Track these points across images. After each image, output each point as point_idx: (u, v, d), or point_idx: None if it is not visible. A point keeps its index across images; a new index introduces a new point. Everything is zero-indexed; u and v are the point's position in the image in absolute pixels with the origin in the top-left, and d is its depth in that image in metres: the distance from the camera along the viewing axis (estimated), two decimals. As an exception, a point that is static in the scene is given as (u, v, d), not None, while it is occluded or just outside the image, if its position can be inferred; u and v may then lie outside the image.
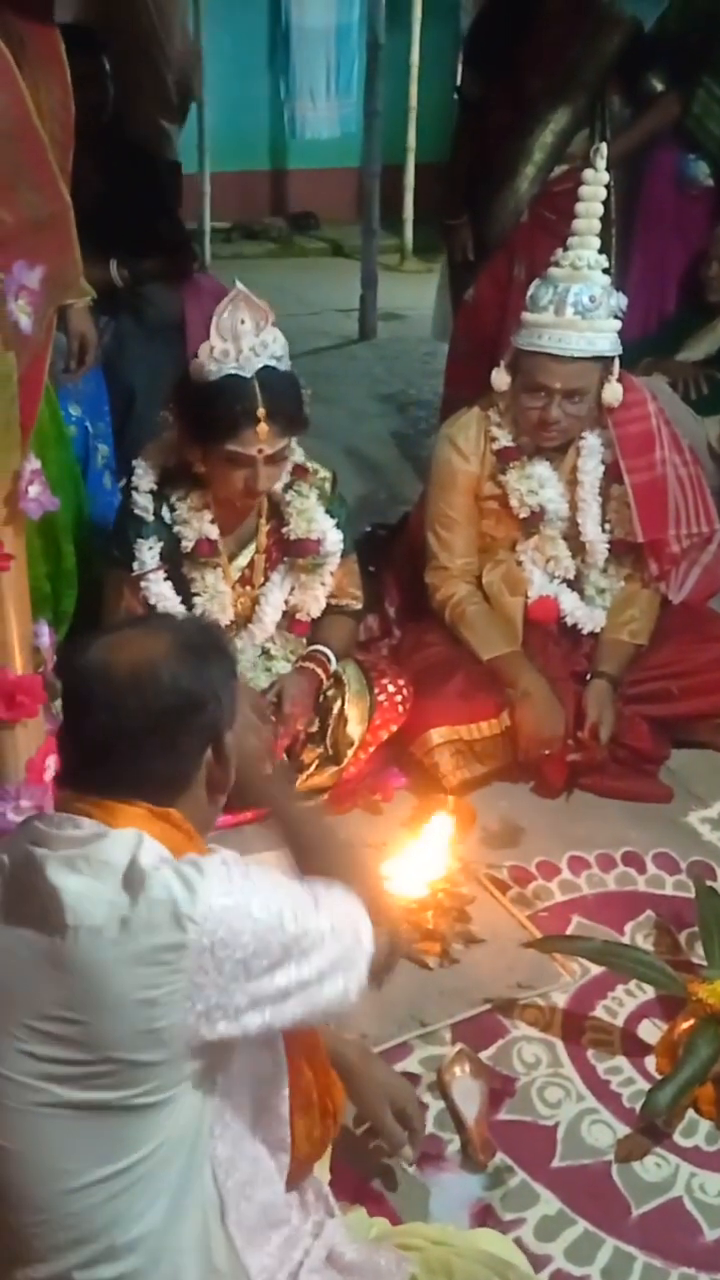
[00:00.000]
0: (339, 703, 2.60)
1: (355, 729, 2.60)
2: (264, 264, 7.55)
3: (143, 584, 2.49)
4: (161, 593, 2.49)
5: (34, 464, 1.81)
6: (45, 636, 1.90)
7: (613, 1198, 1.83)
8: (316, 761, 2.60)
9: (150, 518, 2.49)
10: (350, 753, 2.59)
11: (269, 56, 8.20)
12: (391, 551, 3.22)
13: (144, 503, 2.49)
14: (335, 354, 5.99)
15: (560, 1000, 2.17)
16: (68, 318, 2.98)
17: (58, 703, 1.35)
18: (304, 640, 2.65)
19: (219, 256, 7.27)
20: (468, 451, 2.80)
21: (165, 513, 2.50)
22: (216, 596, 2.54)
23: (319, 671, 2.59)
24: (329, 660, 2.61)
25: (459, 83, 4.17)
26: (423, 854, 2.39)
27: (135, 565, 2.49)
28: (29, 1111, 1.17)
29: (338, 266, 7.58)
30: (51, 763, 1.82)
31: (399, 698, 2.66)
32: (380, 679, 2.67)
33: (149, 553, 2.49)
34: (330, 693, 2.61)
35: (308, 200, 8.48)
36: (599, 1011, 2.15)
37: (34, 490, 1.79)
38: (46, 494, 1.82)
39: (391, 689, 2.66)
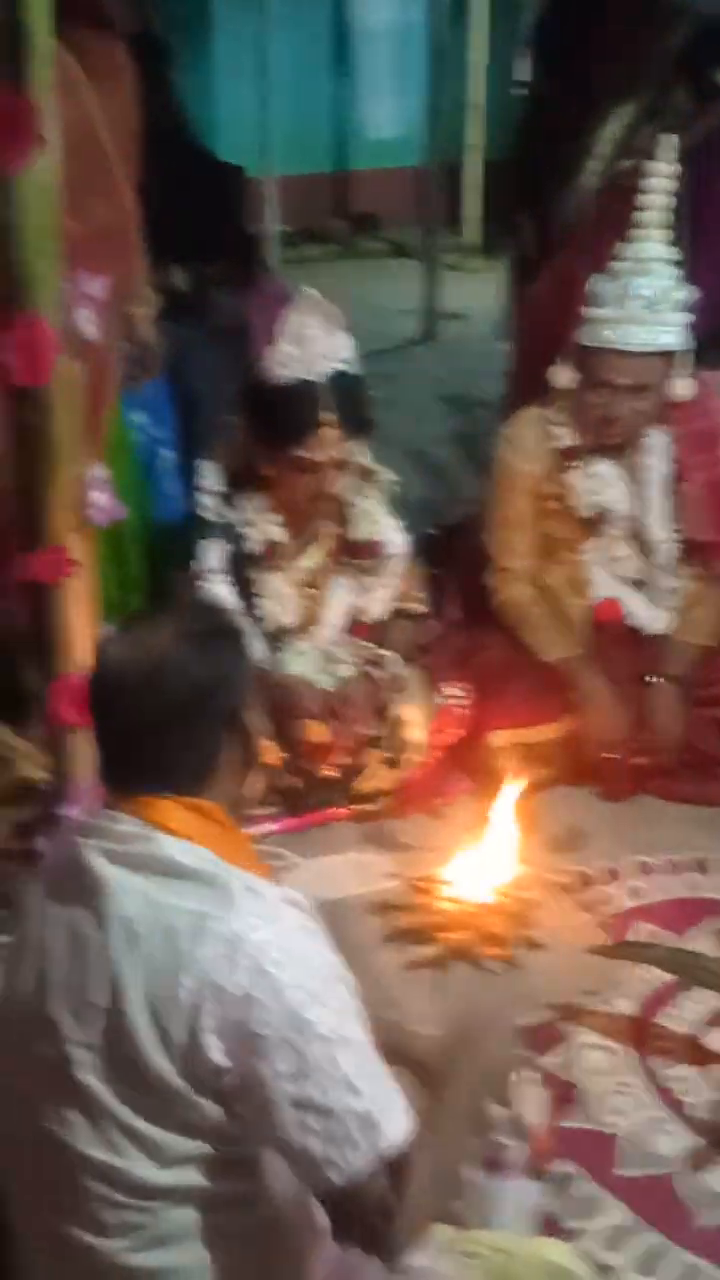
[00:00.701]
0: (401, 707, 2.60)
1: (417, 733, 2.60)
2: (327, 266, 7.58)
3: (205, 585, 2.51)
4: (223, 594, 2.51)
5: (100, 472, 1.84)
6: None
7: (679, 1208, 1.80)
8: (378, 765, 2.60)
9: (217, 519, 2.51)
10: (412, 757, 2.60)
11: (332, 58, 8.23)
12: (453, 554, 3.21)
13: (211, 504, 2.51)
14: (397, 355, 5.99)
15: (625, 1007, 2.14)
16: (131, 325, 3.02)
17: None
18: (366, 643, 2.66)
19: (284, 260, 7.31)
20: (528, 451, 2.77)
21: (232, 515, 2.52)
22: (281, 599, 2.56)
23: (381, 675, 2.59)
24: (391, 664, 2.61)
25: (523, 79, 4.14)
26: (485, 857, 2.38)
27: (202, 566, 2.50)
28: (76, 1096, 1.18)
29: (400, 267, 7.57)
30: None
31: (461, 701, 2.65)
32: (442, 682, 2.66)
33: (214, 554, 2.51)
34: (392, 697, 2.61)
35: (370, 201, 8.48)
36: (664, 1019, 2.12)
37: (100, 498, 1.82)
38: (112, 501, 1.86)
39: (453, 693, 2.65)
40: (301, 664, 2.60)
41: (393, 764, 2.61)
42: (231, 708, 1.29)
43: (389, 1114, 1.17)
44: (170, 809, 1.24)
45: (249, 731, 1.33)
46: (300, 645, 2.61)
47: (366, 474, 2.60)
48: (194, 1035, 1.14)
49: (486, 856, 2.38)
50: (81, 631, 1.91)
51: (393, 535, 2.61)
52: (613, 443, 2.70)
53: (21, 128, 1.58)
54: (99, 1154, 1.18)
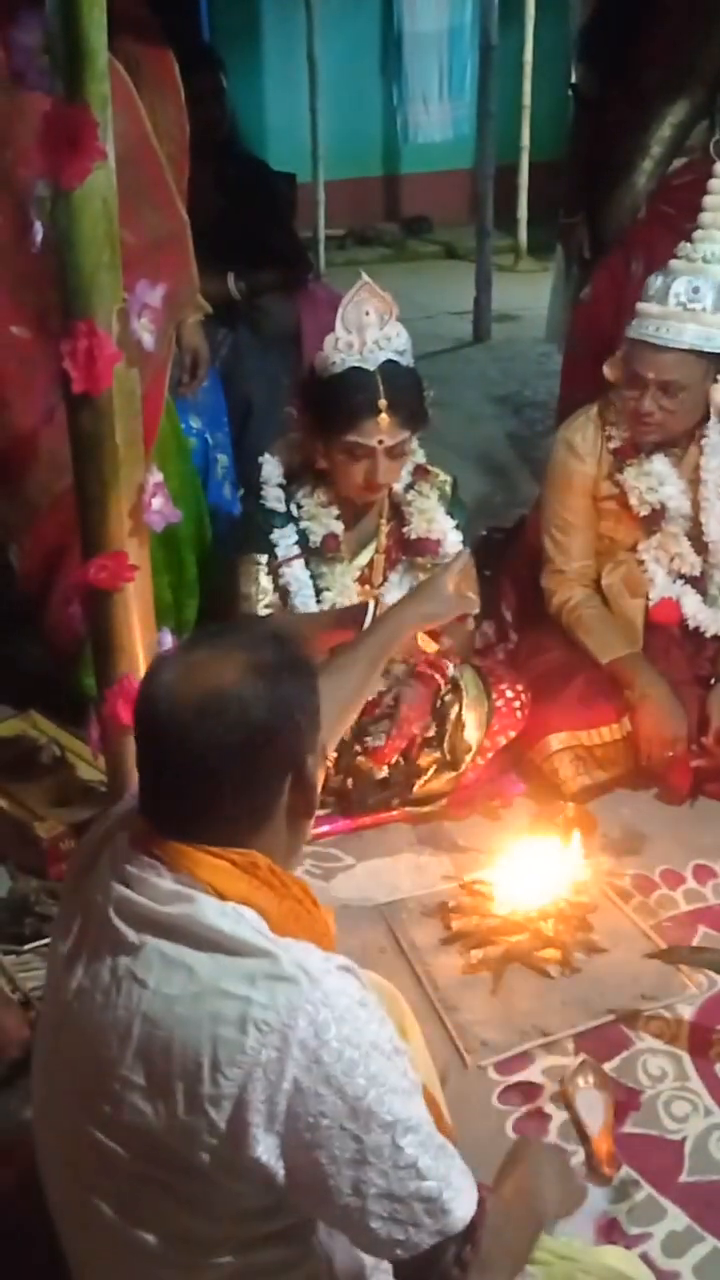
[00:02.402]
0: (456, 708, 2.59)
1: (473, 734, 2.59)
2: (378, 269, 7.49)
3: (283, 570, 2.53)
4: (300, 578, 2.53)
5: (156, 477, 1.86)
6: (169, 645, 1.95)
7: (742, 1216, 1.78)
8: (434, 767, 2.60)
9: (283, 508, 2.53)
10: (468, 758, 2.58)
11: (381, 62, 8.25)
12: (508, 555, 3.20)
13: (276, 495, 2.53)
14: (450, 357, 5.98)
15: (686, 1012, 2.12)
16: (180, 332, 3.05)
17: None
18: (422, 643, 2.66)
19: (333, 264, 7.33)
20: (584, 452, 2.76)
21: (292, 509, 2.54)
22: (344, 591, 2.57)
23: (436, 676, 2.59)
24: (446, 665, 2.61)
25: (574, 80, 4.12)
26: (543, 862, 2.36)
27: (278, 553, 2.52)
28: (117, 1178, 1.14)
29: (452, 269, 7.56)
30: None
31: (517, 703, 2.64)
32: (498, 684, 2.65)
33: (286, 541, 2.52)
34: (448, 698, 2.61)
35: (421, 204, 8.49)
36: (726, 1024, 2.10)
37: (157, 503, 1.84)
38: (169, 506, 1.87)
39: (509, 694, 2.64)
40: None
41: (448, 765, 2.60)
42: (294, 754, 1.18)
43: (456, 1192, 1.12)
44: (217, 869, 1.14)
45: (310, 781, 1.21)
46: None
47: (423, 473, 2.61)
48: (236, 1126, 1.06)
49: (544, 859, 2.36)
50: (138, 636, 1.92)
51: (450, 533, 2.61)
52: (647, 440, 2.67)
53: (82, 143, 1.60)
54: (136, 1237, 1.13)
